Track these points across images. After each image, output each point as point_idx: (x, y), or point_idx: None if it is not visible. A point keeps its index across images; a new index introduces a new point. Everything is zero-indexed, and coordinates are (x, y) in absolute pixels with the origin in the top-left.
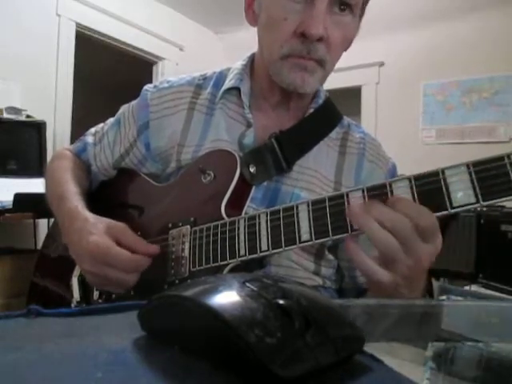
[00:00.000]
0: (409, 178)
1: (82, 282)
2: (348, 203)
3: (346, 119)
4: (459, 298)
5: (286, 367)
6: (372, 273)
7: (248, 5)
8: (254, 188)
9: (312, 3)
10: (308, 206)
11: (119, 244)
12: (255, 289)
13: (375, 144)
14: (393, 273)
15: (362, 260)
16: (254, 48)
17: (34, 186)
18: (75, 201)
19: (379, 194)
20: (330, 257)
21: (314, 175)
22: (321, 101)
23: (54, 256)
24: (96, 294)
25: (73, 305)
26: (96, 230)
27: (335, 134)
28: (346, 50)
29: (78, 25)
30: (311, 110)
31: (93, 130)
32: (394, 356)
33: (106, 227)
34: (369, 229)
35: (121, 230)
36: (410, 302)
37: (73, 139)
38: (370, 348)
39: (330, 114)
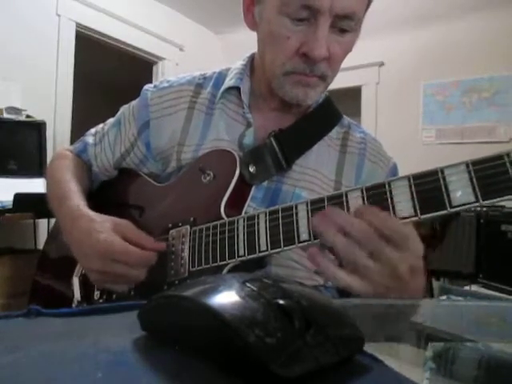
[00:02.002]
0: (408, 178)
1: (83, 281)
2: (347, 203)
3: (347, 119)
4: (459, 298)
5: (286, 367)
6: (337, 278)
7: (247, 8)
8: (254, 188)
9: (315, 24)
10: (307, 205)
11: (126, 241)
12: (255, 289)
13: (376, 144)
14: (364, 280)
15: (324, 265)
16: (254, 48)
17: (34, 185)
18: (77, 200)
19: (378, 193)
20: (331, 256)
21: (314, 175)
22: (321, 100)
23: (56, 255)
24: (97, 293)
25: (74, 305)
26: (104, 229)
27: (336, 133)
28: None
29: (78, 25)
30: (311, 109)
31: (93, 130)
32: (393, 356)
33: (113, 225)
34: (325, 234)
35: (127, 227)
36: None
37: (73, 139)
38: (370, 348)
39: (329, 113)
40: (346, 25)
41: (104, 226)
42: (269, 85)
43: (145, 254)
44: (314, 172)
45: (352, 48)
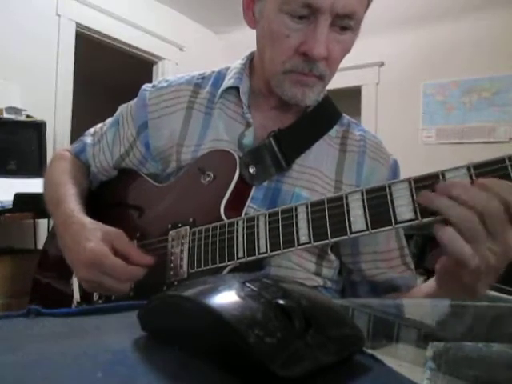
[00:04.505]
0: (408, 181)
1: None
2: (347, 205)
3: (346, 117)
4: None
5: (286, 367)
6: (461, 252)
7: (247, 5)
8: (254, 188)
9: (315, 23)
10: (307, 207)
11: (115, 251)
12: (255, 289)
13: (376, 141)
14: (478, 256)
15: (452, 238)
16: (254, 48)
17: (34, 186)
18: (72, 204)
19: (378, 196)
20: (332, 257)
21: (314, 174)
22: (320, 99)
23: (56, 255)
24: (96, 294)
25: (73, 305)
26: (93, 237)
27: (335, 132)
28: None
29: (78, 25)
30: (310, 109)
31: (92, 130)
32: (393, 356)
33: (103, 234)
34: (449, 207)
35: (117, 238)
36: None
37: (73, 139)
38: (369, 348)
39: (328, 112)
40: (346, 24)
41: (93, 235)
42: (268, 83)
43: (130, 269)
44: (314, 171)
45: (351, 48)
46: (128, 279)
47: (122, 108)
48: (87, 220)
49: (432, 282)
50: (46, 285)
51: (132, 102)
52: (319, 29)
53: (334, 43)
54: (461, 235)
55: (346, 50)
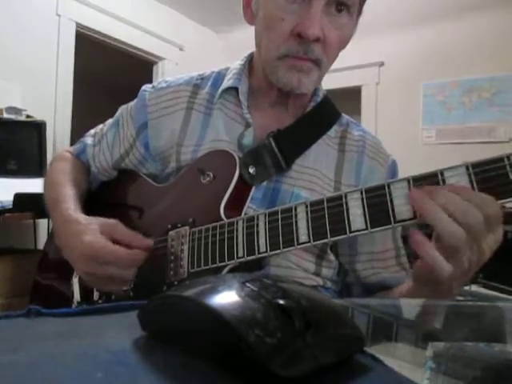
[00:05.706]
0: (407, 180)
1: (83, 282)
2: (347, 204)
3: (346, 117)
4: (459, 298)
5: (286, 367)
6: (436, 264)
7: (246, 3)
8: (253, 188)
9: (309, 3)
10: (306, 207)
11: (114, 241)
12: (255, 289)
13: (375, 141)
14: (453, 265)
15: (428, 251)
16: (254, 48)
17: (34, 185)
18: (69, 204)
19: (377, 195)
20: (331, 257)
21: (313, 174)
22: (319, 99)
23: (56, 255)
24: (96, 294)
25: (73, 305)
26: (89, 231)
27: (334, 132)
28: (342, 49)
29: (78, 25)
30: (309, 109)
31: (92, 131)
32: (393, 356)
33: (99, 226)
34: (437, 219)
35: (114, 227)
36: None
37: (73, 139)
38: (370, 348)
39: (328, 112)
40: (341, 2)
41: (90, 228)
42: (266, 76)
43: (132, 253)
44: (314, 171)
45: (348, 37)
46: (131, 264)
47: (122, 109)
48: (82, 216)
49: (410, 281)
50: (46, 285)
51: (132, 103)
52: (313, 8)
53: (330, 27)
54: (441, 248)
55: (343, 38)
